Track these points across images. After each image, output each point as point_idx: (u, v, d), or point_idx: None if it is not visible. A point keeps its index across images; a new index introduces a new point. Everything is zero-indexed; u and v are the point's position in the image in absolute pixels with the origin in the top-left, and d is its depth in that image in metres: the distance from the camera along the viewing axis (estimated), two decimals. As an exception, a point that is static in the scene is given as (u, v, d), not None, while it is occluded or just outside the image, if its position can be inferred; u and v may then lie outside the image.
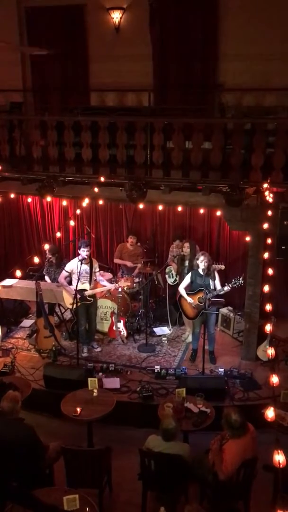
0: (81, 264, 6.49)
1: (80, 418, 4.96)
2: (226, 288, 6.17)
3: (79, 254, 6.60)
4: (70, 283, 6.78)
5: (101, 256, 8.65)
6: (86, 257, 6.53)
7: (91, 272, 6.70)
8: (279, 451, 2.69)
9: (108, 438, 5.21)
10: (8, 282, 7.37)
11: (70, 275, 6.75)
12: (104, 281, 6.94)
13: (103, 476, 4.52)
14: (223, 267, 6.62)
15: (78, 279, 6.53)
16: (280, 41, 7.01)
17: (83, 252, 6.50)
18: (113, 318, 7.21)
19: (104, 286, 6.96)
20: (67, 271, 6.74)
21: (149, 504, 4.45)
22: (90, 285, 6.70)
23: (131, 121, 6.59)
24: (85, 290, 6.65)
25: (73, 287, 6.57)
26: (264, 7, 7.02)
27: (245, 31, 7.16)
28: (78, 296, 6.50)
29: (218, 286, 6.29)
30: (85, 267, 6.62)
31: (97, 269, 6.85)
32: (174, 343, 7.31)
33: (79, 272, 6.53)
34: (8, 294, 7.47)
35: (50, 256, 7.57)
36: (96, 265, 6.81)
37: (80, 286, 6.57)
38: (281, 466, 2.68)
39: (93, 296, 6.83)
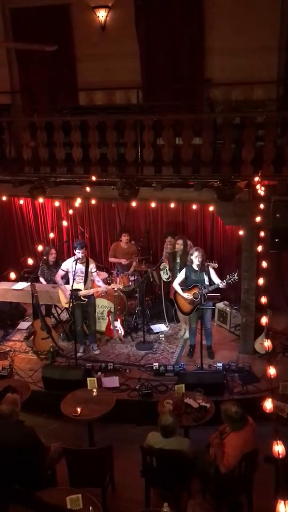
0: (76, 264, 6.48)
1: (81, 418, 4.97)
2: (221, 284, 6.18)
3: (74, 254, 6.59)
4: (67, 282, 6.76)
5: (95, 255, 8.63)
6: (80, 257, 6.52)
7: (86, 272, 6.66)
8: (278, 441, 2.71)
9: (109, 437, 5.22)
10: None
11: (66, 274, 6.73)
12: (100, 282, 6.86)
13: (105, 475, 4.53)
14: (216, 265, 6.56)
15: (74, 279, 6.49)
16: (266, 34, 7.00)
17: (78, 253, 6.48)
18: (110, 317, 7.21)
19: (99, 286, 6.89)
20: (63, 270, 6.72)
21: (152, 500, 4.45)
22: (85, 285, 6.66)
23: (121, 119, 6.57)
24: (79, 290, 6.63)
25: (68, 286, 6.55)
26: (249, 0, 7.01)
27: (231, 25, 7.14)
28: (72, 295, 6.49)
29: (216, 281, 6.26)
30: (80, 266, 6.59)
31: (94, 269, 6.75)
32: (172, 340, 7.32)
33: (74, 272, 6.49)
34: (3, 297, 7.46)
35: (45, 257, 7.52)
36: (92, 265, 6.73)
37: (74, 286, 6.55)
38: (280, 456, 2.69)
39: (90, 296, 6.80)
